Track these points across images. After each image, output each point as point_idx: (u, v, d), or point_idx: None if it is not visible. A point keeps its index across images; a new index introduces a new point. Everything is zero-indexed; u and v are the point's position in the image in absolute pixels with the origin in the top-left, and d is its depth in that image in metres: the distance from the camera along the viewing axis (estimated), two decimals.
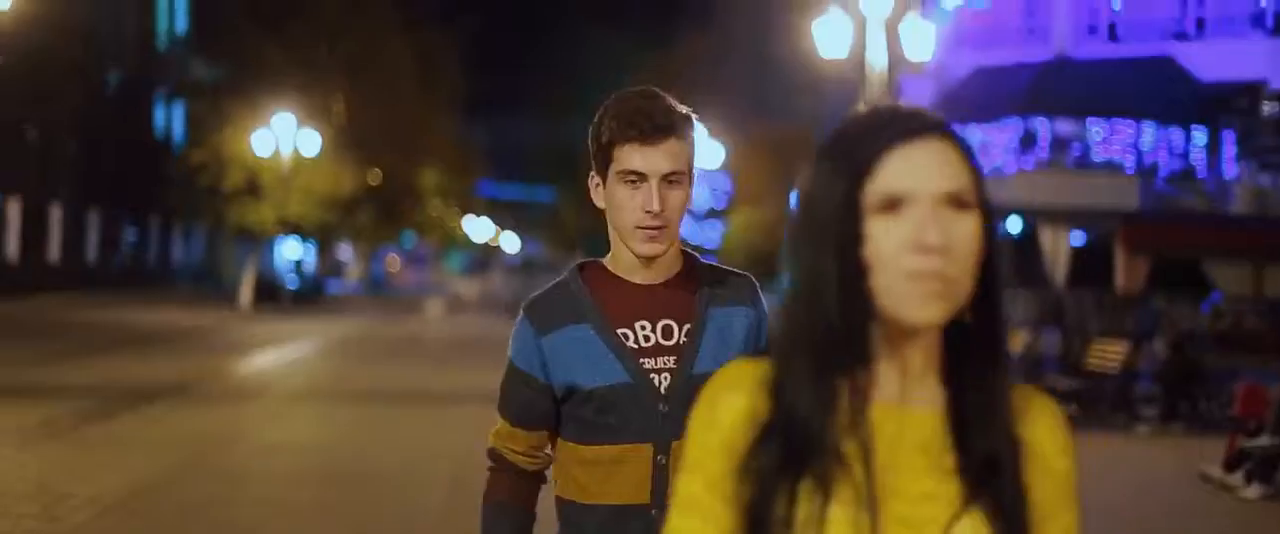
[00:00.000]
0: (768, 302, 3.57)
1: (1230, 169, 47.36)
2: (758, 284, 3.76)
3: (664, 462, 3.55)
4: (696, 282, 3.68)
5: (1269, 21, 45.62)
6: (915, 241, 1.94)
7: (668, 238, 3.56)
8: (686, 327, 3.60)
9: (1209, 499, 14.26)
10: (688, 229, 22.06)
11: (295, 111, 49.16)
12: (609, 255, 3.68)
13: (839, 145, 2.04)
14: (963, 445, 2.01)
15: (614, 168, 3.52)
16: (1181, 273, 40.34)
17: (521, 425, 3.66)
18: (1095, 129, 48.03)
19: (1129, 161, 47.74)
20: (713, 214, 60.38)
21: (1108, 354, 20.68)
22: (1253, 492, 14.75)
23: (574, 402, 3.57)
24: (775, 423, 2.01)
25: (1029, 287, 42.21)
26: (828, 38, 21.67)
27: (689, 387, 3.45)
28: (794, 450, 1.99)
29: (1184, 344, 21.00)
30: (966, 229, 1.97)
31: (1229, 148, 47.64)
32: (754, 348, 3.62)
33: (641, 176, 3.49)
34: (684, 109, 3.57)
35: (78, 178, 51.76)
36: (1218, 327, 30.81)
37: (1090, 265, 42.89)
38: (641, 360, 3.56)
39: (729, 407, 2.05)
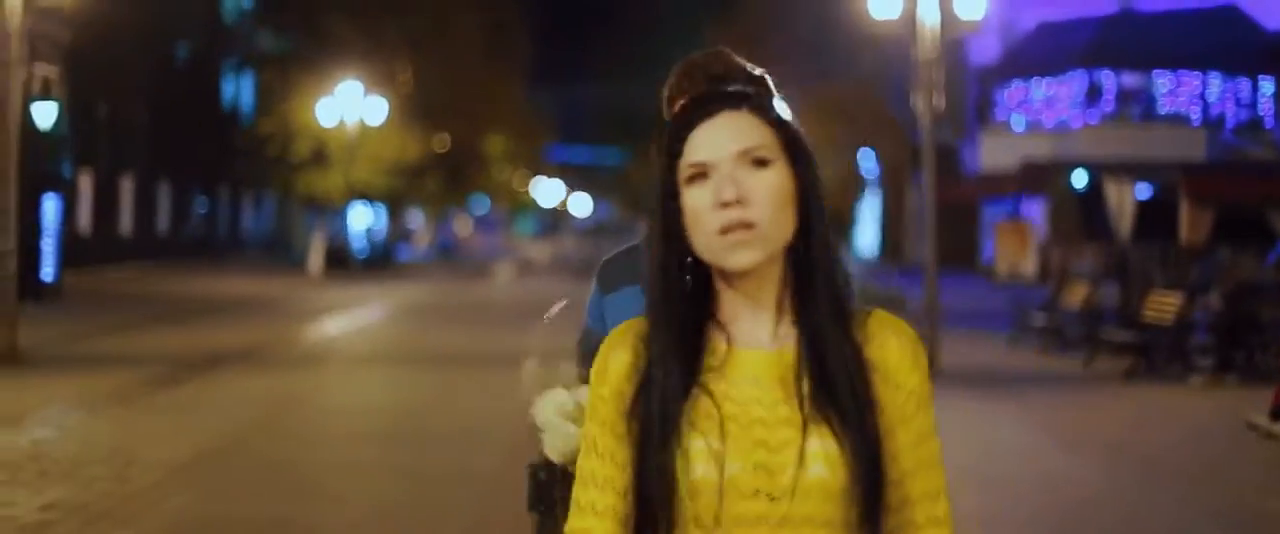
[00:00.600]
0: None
1: None
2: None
3: None
4: None
5: None
6: (716, 199, 2.36)
7: None
8: None
9: (1253, 448, 14.40)
10: None
11: (361, 80, 49.53)
12: None
13: (663, 135, 2.47)
14: (811, 373, 2.39)
15: None
16: (1247, 225, 40.21)
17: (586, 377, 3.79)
18: (1161, 81, 47.87)
19: (1195, 113, 47.60)
20: None
21: (1163, 306, 20.77)
22: None
23: None
24: (648, 372, 2.43)
25: (1094, 240, 42.22)
26: None
27: None
28: (662, 394, 2.41)
29: (1240, 296, 21.04)
30: (766, 180, 2.39)
31: None
32: None
33: None
34: (754, 68, 3.60)
35: (148, 150, 52.38)
36: None
37: (1156, 218, 42.81)
38: None
39: (616, 361, 2.50)
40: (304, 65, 50.84)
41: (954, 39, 26.10)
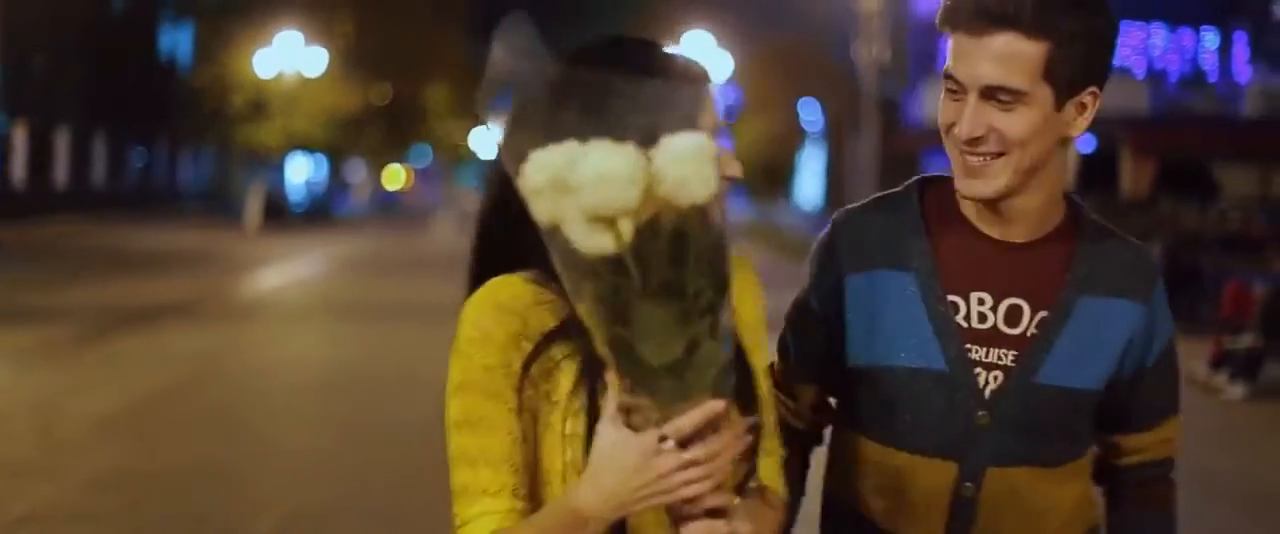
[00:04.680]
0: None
1: (1242, 72, 47.08)
2: (1156, 264, 2.80)
3: (971, 491, 2.65)
4: (1073, 250, 2.69)
5: None
6: None
7: (1006, 171, 2.57)
8: (1041, 314, 2.65)
9: (1193, 399, 14.41)
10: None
11: (301, 30, 49.17)
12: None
13: None
14: None
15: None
16: (1189, 177, 40.33)
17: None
18: None
19: (1138, 66, 47.57)
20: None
21: None
22: (1236, 391, 14.97)
23: (863, 374, 2.70)
24: None
25: None
26: None
27: (1026, 398, 2.64)
28: None
29: (1179, 247, 21.04)
30: None
31: (1241, 50, 47.39)
32: (1139, 363, 2.73)
33: (962, 87, 2.57)
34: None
35: (84, 101, 51.82)
36: (1224, 229, 30.80)
37: (1098, 171, 42.84)
38: (969, 347, 2.62)
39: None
40: (242, 15, 50.32)
41: None
